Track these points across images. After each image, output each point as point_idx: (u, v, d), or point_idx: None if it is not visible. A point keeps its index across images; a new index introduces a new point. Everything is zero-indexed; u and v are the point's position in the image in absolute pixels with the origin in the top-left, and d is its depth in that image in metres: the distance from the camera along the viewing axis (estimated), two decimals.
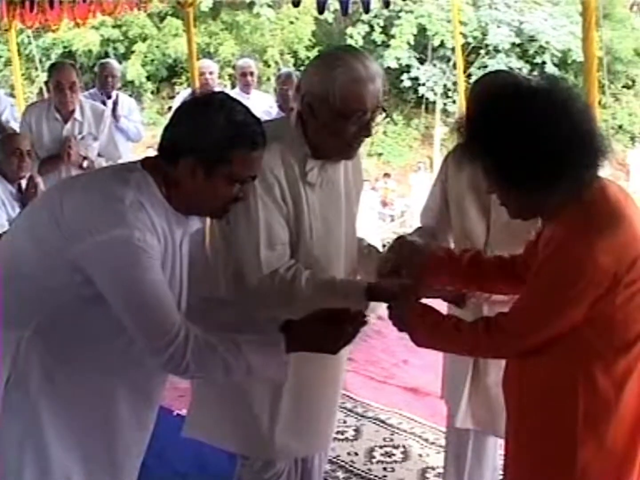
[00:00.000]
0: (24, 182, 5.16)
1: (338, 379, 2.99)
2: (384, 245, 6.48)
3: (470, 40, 15.76)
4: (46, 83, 5.60)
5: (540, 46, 16.10)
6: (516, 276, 2.57)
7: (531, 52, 16.34)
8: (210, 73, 7.44)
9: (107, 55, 15.98)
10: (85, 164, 5.43)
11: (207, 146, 2.27)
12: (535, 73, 15.52)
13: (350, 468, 4.10)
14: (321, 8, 6.75)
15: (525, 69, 15.63)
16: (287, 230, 2.67)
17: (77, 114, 5.63)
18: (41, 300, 2.33)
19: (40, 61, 15.84)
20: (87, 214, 2.25)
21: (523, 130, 2.05)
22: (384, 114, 2.64)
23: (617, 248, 2.11)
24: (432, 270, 2.69)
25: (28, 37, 13.86)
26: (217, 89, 7.70)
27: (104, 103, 6.40)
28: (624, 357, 2.17)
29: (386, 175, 17.54)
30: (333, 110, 2.55)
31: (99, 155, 5.62)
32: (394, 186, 17.28)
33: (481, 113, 2.19)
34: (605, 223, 2.10)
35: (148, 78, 16.97)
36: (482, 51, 16.36)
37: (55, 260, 2.28)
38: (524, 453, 2.32)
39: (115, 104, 6.85)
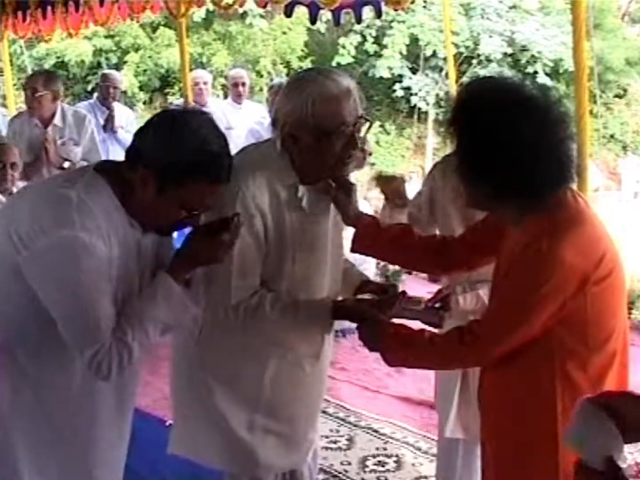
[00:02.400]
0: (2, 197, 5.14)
1: (316, 390, 2.96)
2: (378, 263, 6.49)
3: (462, 50, 15.77)
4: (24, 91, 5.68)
5: (532, 56, 16.13)
6: (442, 256, 2.72)
7: (523, 61, 16.37)
8: (204, 83, 7.47)
9: (99, 65, 15.98)
10: (66, 164, 5.45)
11: (169, 164, 2.21)
12: (527, 82, 15.57)
13: (344, 477, 4.12)
14: (313, 18, 6.77)
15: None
16: (259, 260, 2.66)
17: (57, 120, 5.70)
18: (3, 317, 2.32)
19: (33, 71, 15.86)
20: (34, 216, 2.21)
21: (493, 125, 2.12)
22: (367, 124, 2.64)
23: (583, 247, 2.16)
24: (360, 233, 2.76)
25: (20, 47, 13.86)
26: (210, 99, 7.72)
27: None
28: (598, 354, 2.20)
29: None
30: (315, 132, 2.55)
31: (83, 160, 5.64)
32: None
33: (469, 100, 2.25)
34: (569, 225, 2.14)
35: (140, 88, 16.94)
36: (474, 61, 16.38)
37: (9, 273, 2.26)
38: (504, 456, 2.33)
39: (111, 116, 6.86)
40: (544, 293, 2.13)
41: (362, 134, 2.65)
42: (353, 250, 2.83)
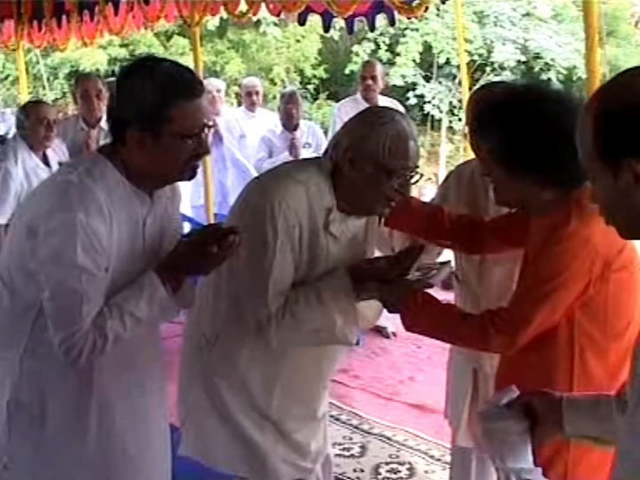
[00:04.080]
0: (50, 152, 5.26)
1: (324, 395, 2.97)
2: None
3: (475, 57, 15.77)
4: (73, 94, 5.68)
5: (546, 63, 16.11)
6: (469, 237, 2.85)
7: (536, 69, 16.34)
8: (218, 91, 7.50)
9: (114, 74, 16.04)
10: None
11: (144, 110, 2.25)
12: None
13: None
14: (327, 27, 6.80)
15: None
16: (293, 275, 2.63)
17: (103, 122, 5.69)
18: (26, 316, 2.35)
19: (48, 80, 15.95)
20: (40, 205, 2.28)
21: (536, 120, 2.23)
22: (418, 175, 2.65)
23: (607, 232, 2.19)
24: (395, 210, 2.76)
25: (36, 55, 13.96)
26: (224, 107, 7.76)
27: None
28: (616, 345, 2.26)
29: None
30: (379, 165, 2.55)
31: None
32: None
33: (501, 101, 2.37)
34: (593, 212, 2.21)
35: None
36: (488, 68, 16.37)
37: (24, 271, 2.30)
38: None
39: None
40: (568, 275, 2.20)
41: (412, 181, 2.66)
42: (387, 224, 2.88)
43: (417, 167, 2.64)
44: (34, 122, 5.21)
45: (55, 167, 5.10)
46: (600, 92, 1.53)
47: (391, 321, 5.84)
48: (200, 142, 2.34)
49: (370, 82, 6.85)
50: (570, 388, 2.22)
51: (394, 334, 6.20)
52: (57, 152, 5.39)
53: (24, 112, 5.29)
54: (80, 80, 6.10)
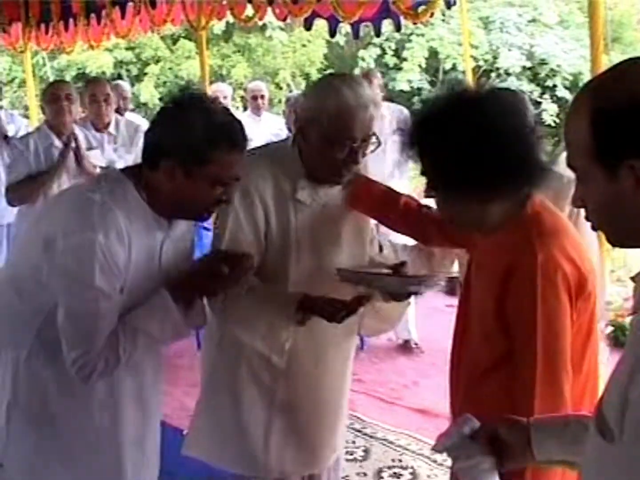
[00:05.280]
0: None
1: (332, 398, 2.98)
2: None
3: (481, 63, 15.78)
4: (81, 98, 5.66)
5: (551, 69, 16.10)
6: (420, 229, 2.80)
7: (542, 75, 16.33)
8: (224, 97, 7.53)
9: (120, 77, 16.08)
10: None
11: (186, 148, 2.26)
12: (546, 96, 15.58)
13: None
14: (333, 31, 6.82)
15: (536, 92, 15.65)
16: (255, 247, 2.67)
17: (111, 128, 5.67)
18: (35, 318, 2.36)
19: None
20: (61, 219, 2.30)
21: (464, 136, 2.04)
22: (376, 142, 2.64)
23: (572, 257, 2.09)
24: (354, 190, 2.77)
25: (43, 58, 14.01)
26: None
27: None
28: (577, 375, 2.14)
29: None
30: (322, 137, 2.59)
31: None
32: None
33: (429, 117, 2.18)
34: (551, 235, 2.10)
35: (161, 99, 17.04)
36: (493, 74, 16.36)
37: (37, 276, 2.32)
38: None
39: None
40: (560, 302, 2.09)
41: (368, 151, 2.67)
42: (347, 202, 2.82)
43: (370, 135, 2.62)
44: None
45: None
46: (595, 85, 1.41)
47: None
48: (227, 192, 2.38)
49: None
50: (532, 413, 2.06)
51: (416, 344, 6.12)
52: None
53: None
54: (88, 84, 6.04)
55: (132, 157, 5.67)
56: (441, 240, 2.82)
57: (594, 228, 1.48)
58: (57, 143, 5.07)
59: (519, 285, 2.09)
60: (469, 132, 2.04)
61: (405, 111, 6.58)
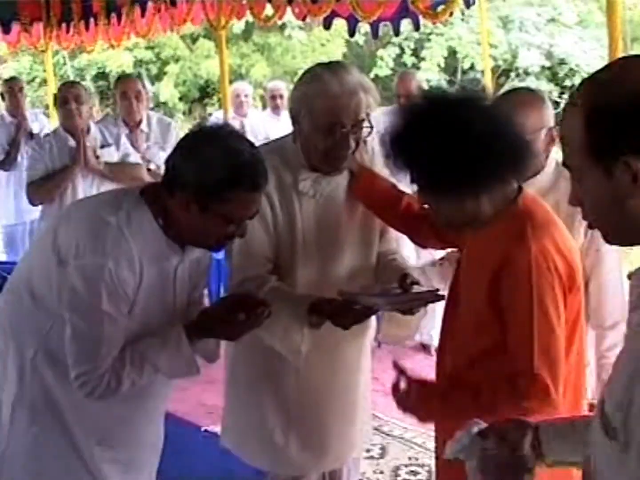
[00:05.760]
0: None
1: (347, 395, 3.00)
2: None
3: (500, 63, 15.77)
4: (113, 95, 5.68)
5: (570, 69, 16.06)
6: (417, 230, 2.79)
7: (561, 75, 16.30)
8: (245, 96, 7.58)
9: (139, 76, 16.15)
10: (152, 166, 5.45)
11: (205, 184, 2.23)
12: (565, 96, 15.53)
13: None
14: (352, 31, 6.82)
15: (555, 92, 15.62)
16: (267, 241, 2.70)
17: (143, 125, 5.65)
18: (43, 321, 2.39)
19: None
20: (75, 236, 2.30)
21: (451, 135, 2.06)
22: (370, 128, 2.61)
23: (563, 250, 2.13)
24: (358, 181, 2.76)
25: (63, 57, 14.09)
26: (251, 110, 7.83)
27: None
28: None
29: None
30: (311, 125, 2.60)
31: None
32: None
33: (407, 125, 2.19)
34: (543, 227, 2.13)
35: (180, 99, 17.12)
36: (512, 74, 16.36)
37: (49, 283, 2.35)
38: None
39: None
40: (553, 297, 2.12)
41: (362, 137, 2.65)
42: (352, 193, 2.82)
43: (361, 120, 2.59)
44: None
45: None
46: (590, 83, 1.40)
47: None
48: (240, 228, 2.36)
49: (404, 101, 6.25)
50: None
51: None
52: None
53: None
54: (119, 81, 6.00)
55: (165, 154, 5.68)
56: (435, 242, 2.83)
57: (590, 227, 1.48)
58: (72, 143, 5.11)
59: (513, 276, 2.12)
60: (446, 131, 2.07)
61: None
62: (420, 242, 2.99)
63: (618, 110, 1.31)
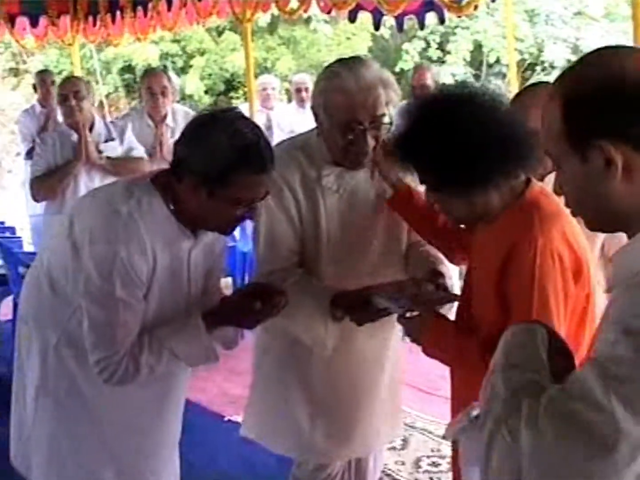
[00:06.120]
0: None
1: (371, 386, 3.01)
2: None
3: (526, 56, 15.70)
4: (139, 89, 5.69)
5: None
6: (450, 245, 2.75)
7: None
8: (272, 88, 7.63)
9: (165, 70, 16.21)
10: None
11: (210, 168, 2.25)
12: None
13: (397, 477, 4.16)
14: (377, 24, 6.83)
15: None
16: (292, 234, 2.71)
17: (169, 120, 5.65)
18: (64, 310, 2.44)
19: (101, 74, 16.17)
20: (89, 224, 2.35)
21: (454, 134, 2.08)
22: (390, 125, 2.58)
23: (571, 242, 2.14)
24: (397, 195, 2.75)
25: (90, 51, 14.16)
26: (277, 103, 7.87)
27: None
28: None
29: None
30: (330, 123, 2.59)
31: None
32: None
33: (413, 124, 2.20)
34: (551, 218, 2.14)
35: (206, 92, 17.17)
36: (538, 67, 16.28)
37: (66, 271, 2.40)
38: None
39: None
40: (562, 285, 2.13)
41: (382, 134, 2.62)
42: (388, 204, 2.82)
43: (380, 116, 2.57)
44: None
45: None
46: (566, 74, 1.46)
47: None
48: (250, 209, 2.39)
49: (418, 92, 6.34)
50: None
51: None
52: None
53: None
54: (145, 76, 6.00)
55: None
56: (458, 256, 2.82)
57: (573, 214, 1.54)
58: (75, 138, 5.10)
59: (518, 264, 2.14)
60: (452, 128, 2.09)
61: None
62: (451, 258, 2.97)
63: (590, 96, 1.37)
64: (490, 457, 1.41)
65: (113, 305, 2.32)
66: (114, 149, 5.18)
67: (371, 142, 2.61)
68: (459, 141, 2.08)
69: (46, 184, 5.11)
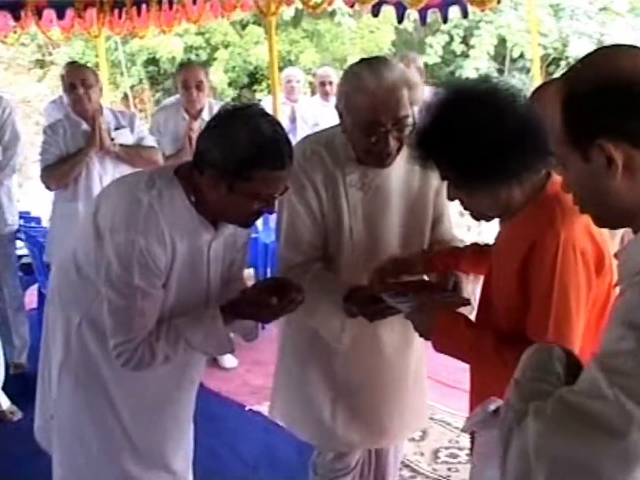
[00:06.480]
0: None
1: (393, 376, 3.04)
2: None
3: (550, 51, 15.61)
4: (175, 83, 5.69)
5: None
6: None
7: None
8: (297, 81, 7.66)
9: (190, 61, 16.25)
10: None
11: (229, 163, 2.30)
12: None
13: (416, 467, 4.21)
14: (400, 18, 6.85)
15: None
16: (314, 230, 2.74)
17: (205, 114, 5.59)
18: (87, 293, 2.51)
19: (126, 67, 16.24)
20: (112, 212, 2.43)
21: (479, 128, 2.09)
22: (413, 126, 2.55)
23: (594, 234, 2.15)
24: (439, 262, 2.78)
25: (115, 42, 14.23)
26: (301, 96, 7.90)
27: None
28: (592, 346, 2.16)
29: None
30: (353, 124, 2.60)
31: None
32: None
33: (439, 119, 2.20)
34: (573, 212, 2.07)
35: (229, 84, 17.19)
36: (563, 62, 16.19)
37: (90, 257, 2.47)
38: None
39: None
40: (581, 278, 2.15)
41: (406, 133, 2.61)
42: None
43: (403, 117, 2.57)
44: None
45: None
46: (567, 75, 1.49)
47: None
48: (268, 204, 2.42)
49: None
50: None
51: None
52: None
53: None
54: (181, 69, 5.99)
55: None
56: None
57: (582, 212, 1.56)
58: (85, 127, 5.05)
59: (540, 257, 2.16)
60: (479, 121, 2.09)
61: None
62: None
63: (588, 95, 1.39)
64: (506, 461, 1.44)
65: (131, 293, 2.39)
66: (125, 137, 5.14)
67: (393, 143, 2.62)
68: (485, 136, 2.09)
69: (58, 172, 5.04)
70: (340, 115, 2.67)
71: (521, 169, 2.16)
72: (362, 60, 2.77)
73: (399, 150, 2.66)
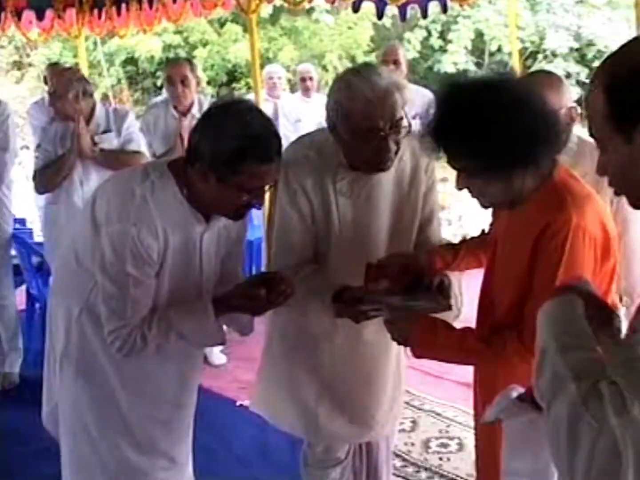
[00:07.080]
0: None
1: (375, 371, 3.06)
2: None
3: (527, 44, 15.69)
4: (142, 82, 5.66)
5: (599, 50, 15.91)
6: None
7: (589, 56, 16.15)
8: (279, 78, 7.68)
9: (168, 60, 16.21)
10: None
11: (218, 156, 2.35)
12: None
13: (407, 457, 4.25)
14: (380, 13, 6.85)
15: (583, 74, 15.54)
16: (305, 233, 2.77)
17: (194, 110, 5.56)
18: (86, 283, 2.57)
19: (105, 67, 16.19)
20: (107, 205, 2.49)
21: (496, 117, 2.12)
22: (408, 127, 2.60)
23: (603, 221, 2.20)
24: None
25: (94, 43, 14.18)
26: (283, 93, 7.92)
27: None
28: None
29: (443, 180, 17.45)
30: (349, 132, 2.61)
31: None
32: (451, 190, 17.10)
33: (453, 113, 2.21)
34: (583, 199, 2.20)
35: (208, 82, 17.17)
36: (540, 56, 16.26)
37: (87, 247, 2.52)
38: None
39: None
40: (585, 262, 2.19)
41: (402, 135, 2.65)
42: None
43: (398, 121, 2.59)
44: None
45: None
46: (608, 61, 1.52)
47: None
48: (257, 197, 2.47)
49: (392, 67, 6.14)
50: None
51: None
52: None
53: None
54: (166, 65, 6.01)
55: None
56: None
57: (617, 193, 1.58)
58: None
59: (550, 240, 2.20)
60: (498, 110, 2.12)
61: (430, 95, 5.90)
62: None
63: (634, 77, 1.43)
64: (577, 444, 1.42)
65: (124, 281, 2.45)
66: (109, 141, 5.04)
67: (393, 147, 2.65)
68: (503, 123, 2.12)
69: (45, 176, 5.00)
70: (334, 126, 2.67)
71: (540, 154, 2.20)
72: (350, 70, 2.80)
73: (396, 153, 2.69)
